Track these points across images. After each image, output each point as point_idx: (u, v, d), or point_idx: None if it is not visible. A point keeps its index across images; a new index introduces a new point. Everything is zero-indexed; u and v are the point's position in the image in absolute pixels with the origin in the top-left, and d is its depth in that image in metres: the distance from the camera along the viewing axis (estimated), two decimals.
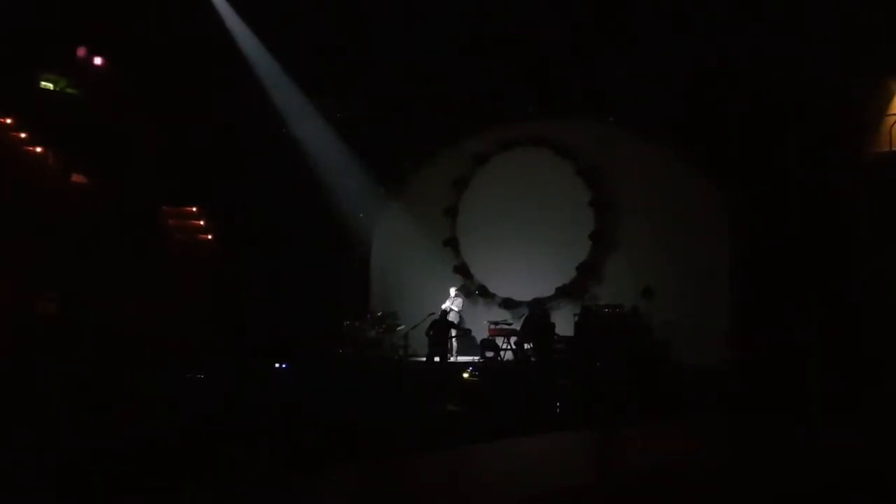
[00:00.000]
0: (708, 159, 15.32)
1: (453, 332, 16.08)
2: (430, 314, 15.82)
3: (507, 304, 17.48)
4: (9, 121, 15.71)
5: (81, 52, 16.51)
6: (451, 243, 18.10)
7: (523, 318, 16.33)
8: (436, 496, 4.24)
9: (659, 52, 14.55)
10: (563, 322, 15.71)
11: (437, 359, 15.27)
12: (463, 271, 17.91)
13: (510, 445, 7.25)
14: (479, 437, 8.82)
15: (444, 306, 16.18)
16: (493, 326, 16.60)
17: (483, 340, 16.42)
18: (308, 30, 15.57)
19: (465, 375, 14.43)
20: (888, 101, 14.29)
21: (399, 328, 17.09)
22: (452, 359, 15.92)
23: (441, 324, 15.57)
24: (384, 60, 16.18)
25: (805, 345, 13.02)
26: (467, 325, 17.22)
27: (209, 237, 16.95)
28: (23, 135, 15.80)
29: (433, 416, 10.29)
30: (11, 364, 10.44)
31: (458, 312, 16.68)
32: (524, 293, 17.21)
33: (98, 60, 16.72)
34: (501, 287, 17.59)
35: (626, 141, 16.38)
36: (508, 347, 16.09)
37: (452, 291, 16.80)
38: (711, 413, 10.99)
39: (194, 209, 17.11)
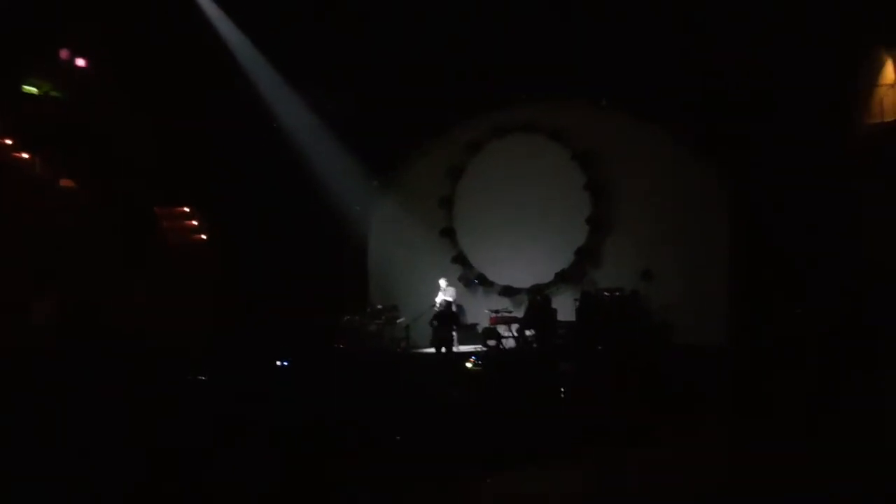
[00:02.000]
0: (704, 139, 15.28)
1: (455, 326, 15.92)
2: (431, 306, 15.74)
3: (507, 291, 17.44)
4: None
5: (64, 54, 16.24)
6: (448, 233, 18.01)
7: (525, 305, 16.28)
8: None
9: (651, 33, 14.46)
10: (564, 307, 15.66)
11: (443, 349, 15.14)
12: (461, 261, 17.85)
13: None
14: (484, 424, 8.80)
15: (437, 300, 16.04)
16: (493, 314, 16.53)
17: (484, 329, 16.35)
18: (295, 22, 15.38)
19: (468, 365, 14.36)
20: (878, 71, 14.25)
21: (399, 321, 16.99)
22: (454, 349, 15.82)
23: (445, 315, 15.44)
24: (373, 52, 16.01)
25: (805, 325, 13.00)
26: (467, 314, 17.15)
27: (204, 237, 16.78)
28: (8, 141, 15.57)
29: (438, 405, 10.23)
30: (10, 368, 10.29)
31: (453, 302, 16.54)
32: (523, 280, 17.19)
33: (81, 62, 16.45)
34: (500, 275, 17.54)
35: (620, 123, 16.34)
36: (510, 335, 16.03)
37: (443, 283, 16.66)
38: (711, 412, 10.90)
39: (187, 209, 16.93)
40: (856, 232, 13.54)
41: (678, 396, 10.83)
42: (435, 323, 15.29)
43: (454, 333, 16.08)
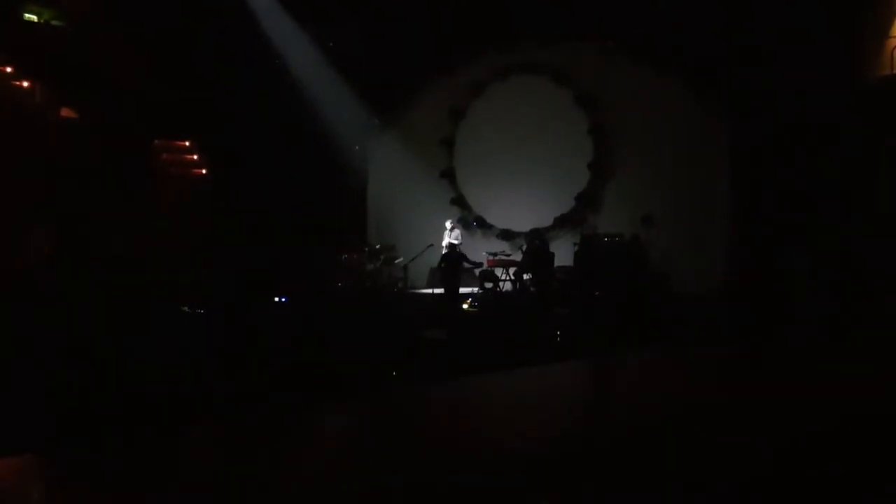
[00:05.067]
0: (709, 85, 15.11)
1: (466, 265, 15.84)
2: (429, 245, 15.74)
3: (506, 234, 17.44)
4: None
5: None
6: (448, 174, 17.94)
7: (523, 248, 16.29)
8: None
9: None
10: (563, 252, 15.67)
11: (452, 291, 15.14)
12: (460, 203, 17.81)
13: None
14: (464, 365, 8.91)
15: (444, 242, 16.00)
16: (491, 257, 16.56)
17: (482, 271, 16.36)
18: None
19: (465, 306, 14.46)
20: (890, 22, 14.03)
21: (397, 261, 17.03)
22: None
23: (453, 257, 15.43)
24: None
25: (803, 272, 13.02)
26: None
27: (203, 172, 16.74)
28: (8, 69, 15.44)
29: (416, 345, 10.31)
30: (8, 302, 10.35)
31: (458, 245, 16.55)
32: (522, 224, 17.16)
33: None
34: (499, 218, 17.52)
35: (625, 67, 16.11)
36: (507, 278, 16.08)
37: (448, 224, 16.66)
38: (706, 343, 10.97)
39: (187, 143, 16.86)
40: (861, 181, 13.49)
41: (670, 338, 10.94)
42: (443, 265, 15.26)
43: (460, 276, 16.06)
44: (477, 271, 16.46)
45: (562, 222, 16.93)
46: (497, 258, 16.50)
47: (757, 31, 14.14)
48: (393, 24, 16.22)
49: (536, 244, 15.92)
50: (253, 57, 15.96)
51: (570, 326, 12.13)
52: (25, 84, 15.44)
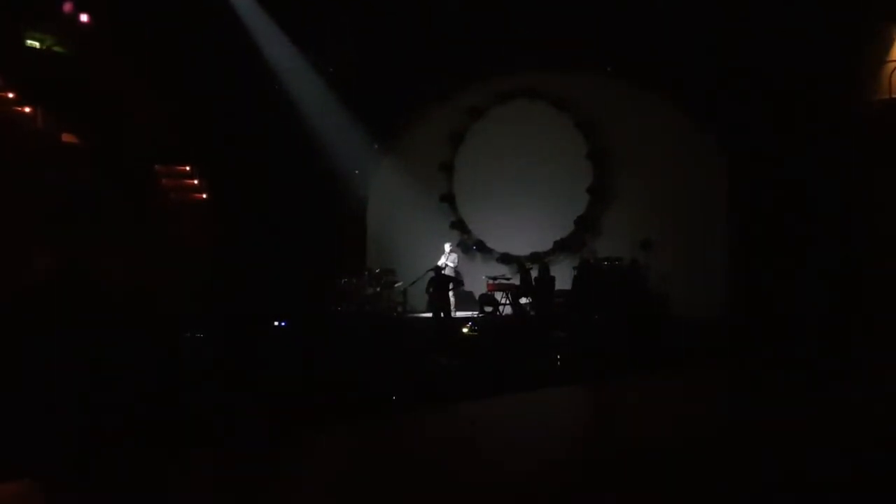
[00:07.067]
0: (707, 110, 15.20)
1: (451, 286, 15.90)
2: (429, 270, 15.74)
3: (505, 259, 17.44)
4: None
5: (67, 8, 16.14)
6: (448, 199, 17.98)
7: (524, 271, 16.29)
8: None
9: (655, 1, 14.36)
10: (562, 276, 15.67)
11: (442, 314, 15.16)
12: (460, 227, 17.84)
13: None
14: (477, 390, 8.89)
15: (439, 262, 16.03)
16: (491, 281, 16.55)
17: (482, 296, 16.38)
18: None
19: (465, 330, 14.42)
20: (888, 47, 14.12)
21: (397, 285, 17.03)
22: (452, 314, 15.84)
23: (440, 280, 15.45)
24: (377, 13, 15.90)
25: (803, 297, 13.02)
26: (465, 281, 17.13)
27: (203, 196, 16.77)
28: (10, 95, 15.53)
29: (429, 370, 10.31)
30: (10, 325, 10.33)
31: (455, 268, 16.55)
32: (522, 248, 17.21)
33: (84, 17, 16.35)
34: (499, 242, 17.55)
35: (625, 92, 16.22)
36: (507, 302, 16.06)
37: (447, 247, 16.68)
38: (705, 367, 11.01)
39: (188, 168, 16.91)
40: (859, 204, 13.52)
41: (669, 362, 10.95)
42: (431, 290, 15.28)
43: (451, 297, 16.07)
44: (477, 295, 16.50)
45: (561, 246, 16.96)
46: (497, 282, 16.49)
47: (756, 56, 14.23)
48: (393, 50, 16.33)
49: (536, 268, 15.95)
50: (254, 83, 16.07)
51: (570, 350, 12.13)
52: (27, 109, 15.52)
